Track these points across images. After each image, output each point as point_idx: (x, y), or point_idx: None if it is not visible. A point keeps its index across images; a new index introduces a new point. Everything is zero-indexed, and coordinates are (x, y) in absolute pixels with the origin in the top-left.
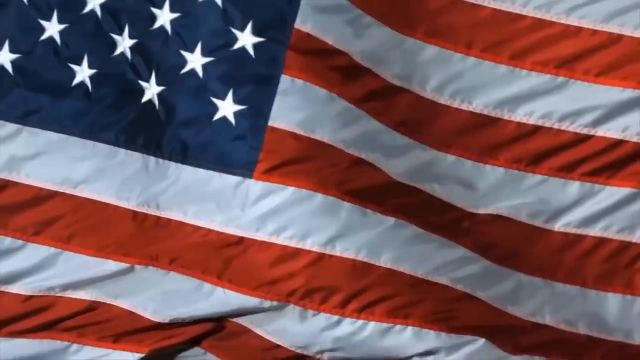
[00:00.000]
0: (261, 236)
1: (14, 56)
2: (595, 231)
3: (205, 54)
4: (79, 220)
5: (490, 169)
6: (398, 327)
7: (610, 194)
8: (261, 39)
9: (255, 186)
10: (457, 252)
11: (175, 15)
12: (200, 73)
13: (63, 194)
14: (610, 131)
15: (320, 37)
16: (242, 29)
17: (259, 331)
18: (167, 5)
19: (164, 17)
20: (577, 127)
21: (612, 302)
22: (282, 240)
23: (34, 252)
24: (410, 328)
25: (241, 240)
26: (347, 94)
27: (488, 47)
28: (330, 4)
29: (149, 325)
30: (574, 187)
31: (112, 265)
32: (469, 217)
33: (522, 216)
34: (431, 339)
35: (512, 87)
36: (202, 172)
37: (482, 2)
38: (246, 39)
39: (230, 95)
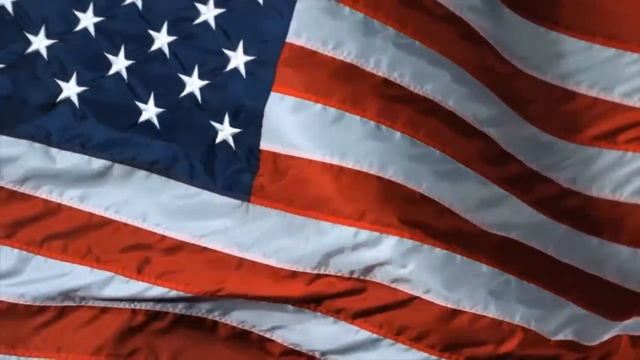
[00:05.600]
0: (260, 258)
1: None
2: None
3: (202, 77)
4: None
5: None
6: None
7: None
8: (251, 57)
9: (253, 209)
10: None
11: (173, 38)
12: (199, 96)
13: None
14: None
15: (317, 48)
16: (234, 48)
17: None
18: (164, 28)
19: (162, 40)
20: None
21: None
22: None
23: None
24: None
25: (241, 261)
26: (345, 104)
27: None
28: (328, 10)
29: None
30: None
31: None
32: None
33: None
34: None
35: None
36: (205, 194)
37: None
38: (238, 59)
39: (226, 118)
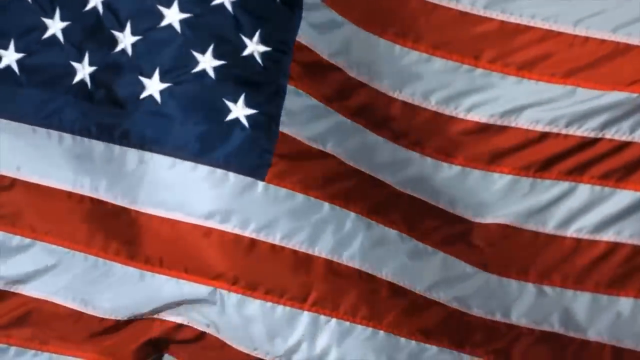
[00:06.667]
0: (272, 240)
1: (19, 55)
2: (607, 236)
3: (216, 56)
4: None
5: (497, 177)
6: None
7: (621, 198)
8: (267, 48)
9: (267, 189)
10: (459, 266)
11: (185, 16)
12: (212, 75)
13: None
14: (617, 133)
15: (317, 52)
16: (251, 36)
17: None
18: (175, 5)
19: (173, 17)
20: (584, 131)
21: (624, 306)
22: (292, 244)
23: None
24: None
25: (252, 242)
26: (343, 108)
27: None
28: (325, 19)
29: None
30: (584, 191)
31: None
32: (475, 228)
33: (529, 224)
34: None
35: (519, 97)
36: (218, 172)
37: (489, 14)
38: (254, 47)
39: (242, 99)
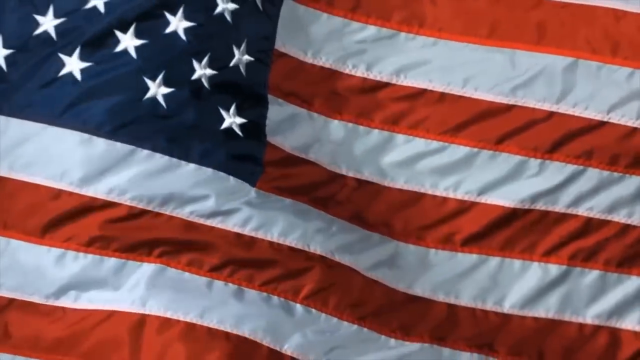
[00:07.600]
0: (269, 237)
1: (8, 51)
2: (619, 217)
3: (212, 66)
4: None
5: (505, 157)
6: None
7: (631, 182)
8: (251, 58)
9: (259, 193)
10: (449, 259)
11: (189, 24)
12: (207, 84)
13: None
14: (624, 118)
15: (297, 55)
16: (239, 46)
17: None
18: (180, 13)
19: (177, 24)
20: (590, 112)
21: (634, 284)
22: (289, 242)
23: None
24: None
25: (252, 239)
26: (328, 108)
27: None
28: (303, 19)
29: None
30: (594, 174)
31: None
32: (473, 212)
33: (539, 204)
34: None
35: (526, 72)
36: (220, 174)
37: None
38: (239, 57)
39: (233, 108)
